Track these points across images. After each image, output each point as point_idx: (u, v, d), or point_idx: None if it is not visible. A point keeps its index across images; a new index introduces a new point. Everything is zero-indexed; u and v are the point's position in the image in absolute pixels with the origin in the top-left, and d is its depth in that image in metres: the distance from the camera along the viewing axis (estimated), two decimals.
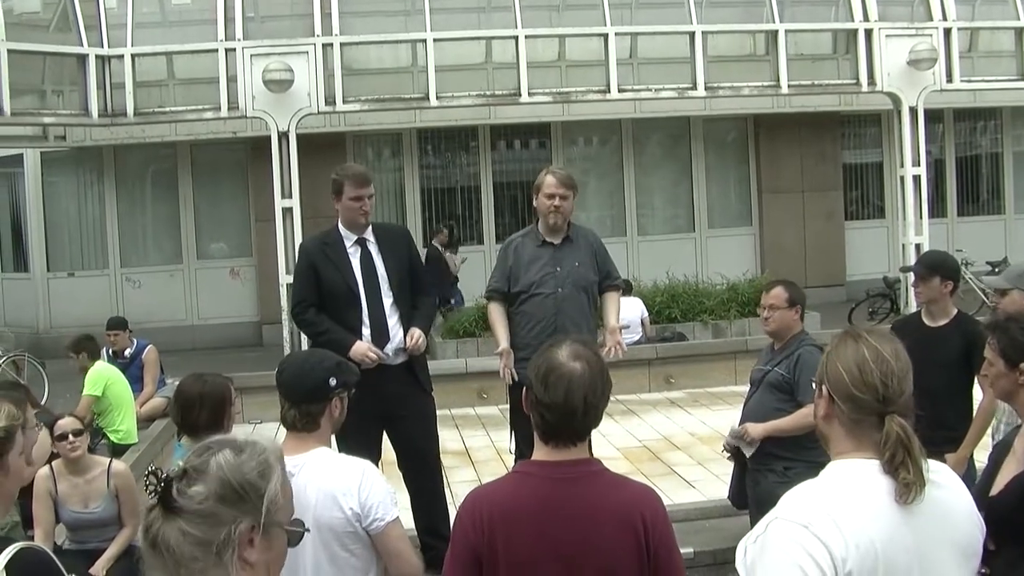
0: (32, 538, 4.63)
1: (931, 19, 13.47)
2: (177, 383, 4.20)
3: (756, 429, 4.80)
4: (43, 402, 9.85)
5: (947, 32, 13.42)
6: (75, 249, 16.18)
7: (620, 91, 13.00)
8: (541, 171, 5.83)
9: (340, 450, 3.45)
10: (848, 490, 2.00)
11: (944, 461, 2.75)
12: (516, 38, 12.77)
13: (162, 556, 1.68)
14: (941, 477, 2.09)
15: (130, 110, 12.47)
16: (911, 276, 5.34)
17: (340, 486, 3.00)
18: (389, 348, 5.30)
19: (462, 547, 2.50)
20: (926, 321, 5.06)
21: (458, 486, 6.67)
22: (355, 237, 5.39)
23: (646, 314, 11.67)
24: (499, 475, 2.82)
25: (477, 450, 8.47)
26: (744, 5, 14.44)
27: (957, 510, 2.10)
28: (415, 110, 14.18)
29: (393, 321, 5.35)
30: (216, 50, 12.46)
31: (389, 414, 5.31)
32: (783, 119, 16.33)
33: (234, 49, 12.34)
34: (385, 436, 5.47)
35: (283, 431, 3.17)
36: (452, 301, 14.30)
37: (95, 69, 12.33)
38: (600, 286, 5.79)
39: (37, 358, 12.30)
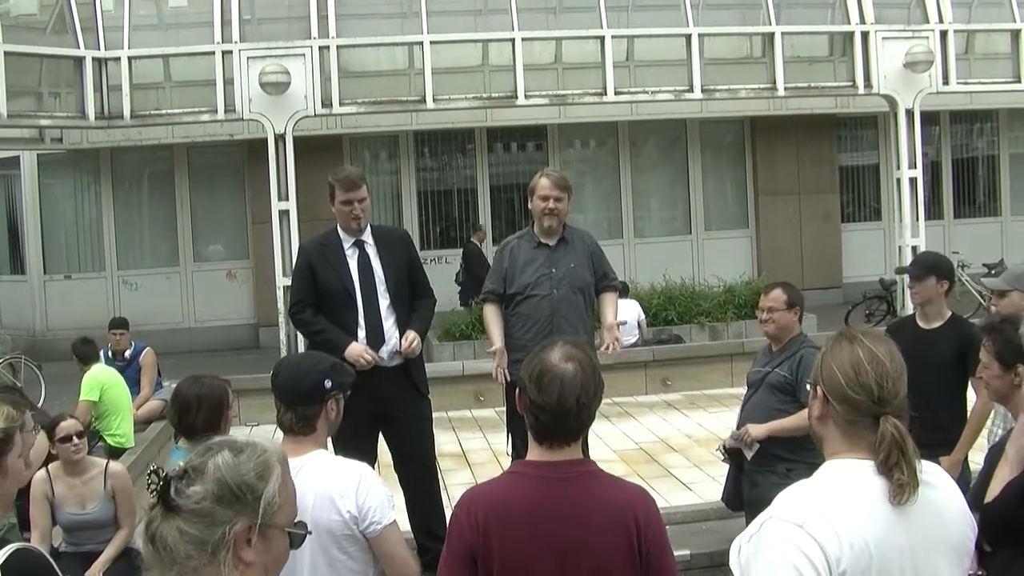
0: (29, 540, 4.62)
1: (927, 21, 13.50)
2: (174, 386, 4.20)
3: (757, 430, 4.80)
4: (40, 404, 9.85)
5: (943, 34, 13.44)
6: (72, 251, 16.16)
7: (616, 93, 13.03)
8: (536, 173, 5.84)
9: (336, 452, 3.45)
10: (842, 490, 2.01)
11: (938, 463, 2.76)
12: (512, 41, 12.79)
13: (159, 553, 1.71)
14: (934, 478, 2.10)
15: (127, 112, 12.48)
16: (907, 278, 5.33)
17: (337, 489, 2.99)
18: (384, 350, 5.30)
19: (457, 546, 2.53)
20: (921, 323, 5.05)
21: (455, 488, 6.67)
22: (353, 239, 5.39)
23: (643, 316, 11.66)
24: None
25: (473, 452, 8.47)
26: (740, 7, 14.46)
27: (950, 510, 2.11)
28: (412, 112, 14.20)
29: (389, 323, 5.34)
30: (213, 52, 12.47)
31: (384, 416, 5.31)
32: (779, 121, 16.33)
33: (231, 52, 12.35)
34: (382, 439, 5.47)
35: (280, 434, 3.17)
36: None
37: (92, 71, 12.33)
38: (597, 287, 5.79)
39: (34, 360, 12.31)
